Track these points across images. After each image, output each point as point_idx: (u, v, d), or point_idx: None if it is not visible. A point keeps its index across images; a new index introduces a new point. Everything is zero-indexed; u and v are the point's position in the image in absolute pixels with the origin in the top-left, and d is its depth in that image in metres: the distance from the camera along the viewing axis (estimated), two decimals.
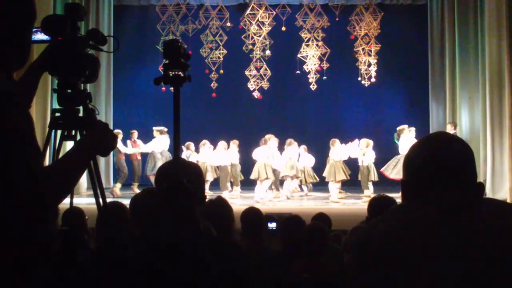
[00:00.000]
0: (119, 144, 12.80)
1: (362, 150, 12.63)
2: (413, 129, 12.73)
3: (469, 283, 1.46)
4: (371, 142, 12.75)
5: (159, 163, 12.48)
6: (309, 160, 13.27)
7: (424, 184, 1.62)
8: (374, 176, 12.50)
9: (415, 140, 11.89)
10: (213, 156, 13.07)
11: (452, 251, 1.48)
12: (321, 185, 13.54)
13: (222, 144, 13.04)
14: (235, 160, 13.11)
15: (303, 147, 13.32)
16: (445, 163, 1.60)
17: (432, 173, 1.60)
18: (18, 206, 1.52)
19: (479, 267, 1.46)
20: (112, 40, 3.01)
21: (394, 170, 12.36)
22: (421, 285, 1.47)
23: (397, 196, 4.59)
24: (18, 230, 1.56)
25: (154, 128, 13.27)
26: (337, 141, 12.85)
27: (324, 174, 12.84)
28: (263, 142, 12.71)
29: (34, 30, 2.48)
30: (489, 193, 11.44)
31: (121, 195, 12.12)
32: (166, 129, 13.12)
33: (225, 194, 11.98)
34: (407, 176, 1.68)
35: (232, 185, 13.20)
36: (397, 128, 12.82)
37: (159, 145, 13.14)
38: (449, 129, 12.77)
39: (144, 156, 13.46)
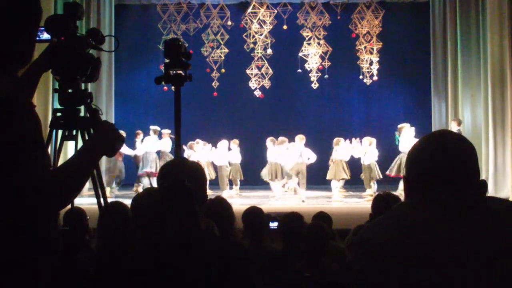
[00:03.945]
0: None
1: (365, 148, 12.61)
2: (412, 128, 12.69)
3: (472, 283, 1.45)
4: (374, 140, 12.74)
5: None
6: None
7: (426, 182, 1.61)
8: (377, 174, 12.48)
9: (414, 138, 11.90)
10: (210, 155, 13.05)
11: (455, 250, 1.47)
12: (322, 184, 13.52)
13: (222, 143, 13.01)
14: (235, 160, 13.07)
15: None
16: (448, 161, 1.59)
17: (435, 171, 1.59)
18: (29, 208, 1.52)
19: (482, 266, 1.45)
20: (113, 39, 3.01)
21: (395, 167, 12.36)
22: (423, 284, 1.46)
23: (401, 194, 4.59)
24: (25, 231, 1.57)
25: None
26: (342, 140, 12.81)
27: (328, 173, 12.82)
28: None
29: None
30: (491, 191, 11.42)
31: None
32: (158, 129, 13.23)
33: (224, 194, 11.98)
34: (410, 173, 1.67)
35: (231, 184, 13.17)
36: (398, 126, 12.78)
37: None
38: (454, 127, 12.66)
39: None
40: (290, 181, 12.67)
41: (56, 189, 1.57)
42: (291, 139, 12.83)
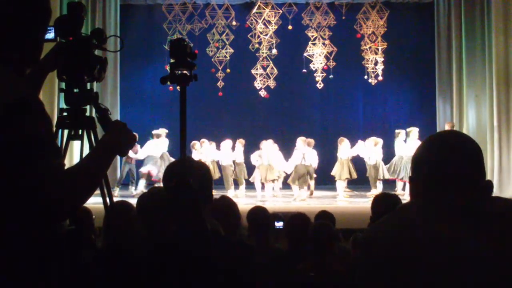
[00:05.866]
0: None
1: (370, 149, 12.59)
2: (403, 131, 12.77)
3: (476, 283, 1.45)
4: (380, 141, 12.72)
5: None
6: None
7: (432, 182, 1.61)
8: (383, 174, 12.47)
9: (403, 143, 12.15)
10: (215, 154, 13.02)
11: (460, 251, 1.47)
12: (327, 184, 13.50)
13: (226, 142, 12.97)
14: (239, 159, 13.04)
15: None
16: (454, 161, 1.59)
17: (441, 172, 1.59)
18: (43, 209, 1.52)
19: (487, 267, 1.45)
20: (119, 40, 3.02)
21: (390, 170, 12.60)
22: (428, 285, 1.46)
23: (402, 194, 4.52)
24: (34, 231, 1.58)
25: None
26: (345, 139, 12.79)
27: (332, 173, 12.80)
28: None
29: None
30: (496, 191, 11.39)
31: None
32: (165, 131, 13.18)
33: (229, 193, 11.95)
34: (416, 174, 1.67)
35: (236, 184, 13.14)
36: (407, 130, 12.81)
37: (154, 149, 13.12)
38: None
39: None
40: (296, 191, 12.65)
41: (71, 188, 1.57)
42: (295, 140, 12.83)
